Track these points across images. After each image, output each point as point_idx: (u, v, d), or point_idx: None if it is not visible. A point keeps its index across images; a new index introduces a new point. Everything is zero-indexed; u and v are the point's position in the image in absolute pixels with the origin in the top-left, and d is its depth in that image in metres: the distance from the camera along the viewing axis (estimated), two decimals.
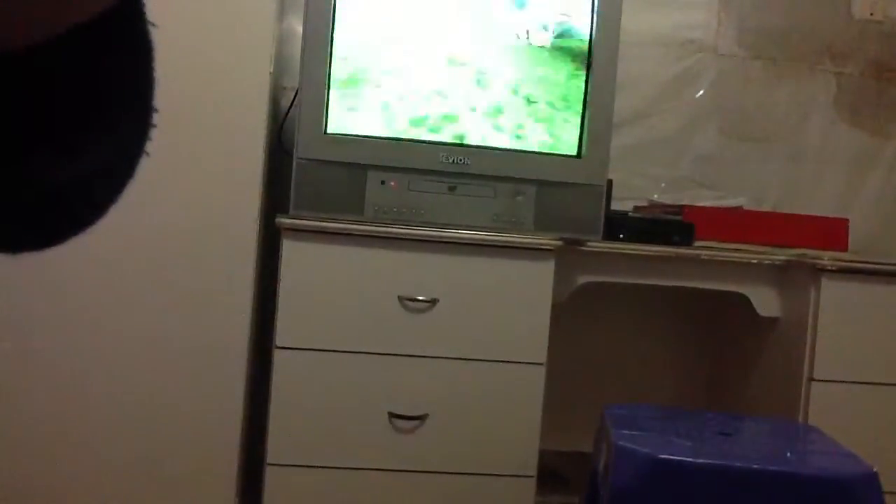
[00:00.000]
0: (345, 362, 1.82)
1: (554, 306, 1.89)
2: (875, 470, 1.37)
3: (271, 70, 1.86)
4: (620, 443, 1.42)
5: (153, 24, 0.25)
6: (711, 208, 2.26)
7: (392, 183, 1.86)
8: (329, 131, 1.84)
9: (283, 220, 1.80)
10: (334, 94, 1.84)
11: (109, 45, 0.23)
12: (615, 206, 2.08)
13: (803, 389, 1.93)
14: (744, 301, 2.06)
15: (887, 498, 1.37)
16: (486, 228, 1.87)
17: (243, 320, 1.83)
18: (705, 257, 2.00)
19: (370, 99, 1.87)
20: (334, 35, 1.83)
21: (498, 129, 1.91)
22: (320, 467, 1.82)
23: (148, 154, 0.27)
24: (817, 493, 1.37)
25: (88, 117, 0.24)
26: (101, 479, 1.80)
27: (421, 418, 1.85)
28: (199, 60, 1.78)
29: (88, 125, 0.24)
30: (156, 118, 0.27)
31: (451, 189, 1.88)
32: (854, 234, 2.28)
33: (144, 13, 0.25)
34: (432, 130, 1.88)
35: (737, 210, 2.31)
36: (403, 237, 1.83)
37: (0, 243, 0.25)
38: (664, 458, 1.38)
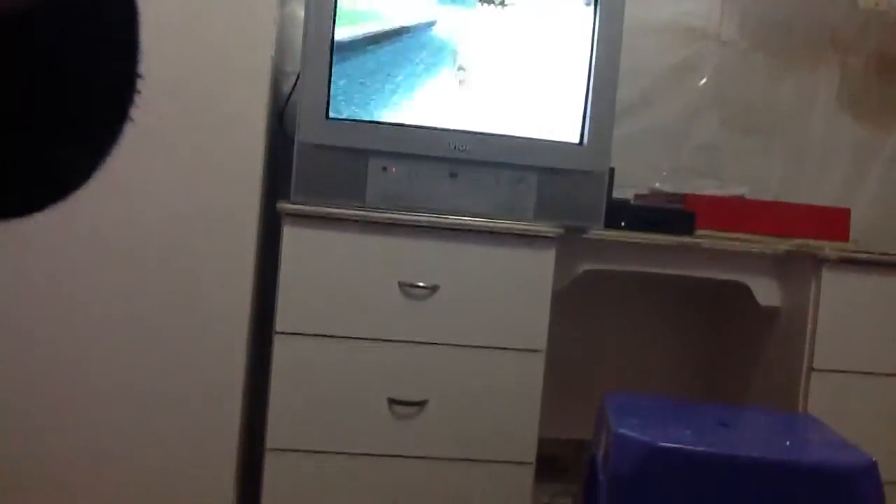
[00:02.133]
0: (345, 348, 1.82)
1: (554, 294, 1.89)
2: (874, 459, 1.38)
3: (272, 54, 1.85)
4: (620, 431, 1.43)
5: None
6: (713, 197, 2.26)
7: (393, 169, 1.85)
8: (330, 116, 1.83)
9: (284, 206, 1.80)
10: (336, 79, 1.83)
11: (95, 11, 0.23)
12: (617, 194, 2.07)
13: (803, 379, 1.93)
14: (744, 290, 2.06)
15: (886, 487, 1.37)
16: (488, 215, 1.87)
17: (243, 305, 1.82)
18: (706, 246, 2.00)
19: (372, 84, 1.87)
20: (336, 19, 1.82)
21: (500, 115, 1.90)
22: (320, 452, 1.82)
23: (132, 120, 0.27)
24: (817, 482, 1.38)
25: (72, 81, 0.23)
26: (100, 462, 1.80)
27: (421, 404, 1.85)
28: (200, 44, 1.77)
29: (73, 89, 0.24)
30: (140, 84, 0.27)
31: (453, 176, 1.88)
32: (855, 224, 2.28)
33: None
34: (434, 116, 1.88)
35: (738, 199, 2.31)
36: (404, 223, 1.82)
37: None
38: (664, 447, 1.38)
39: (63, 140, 0.24)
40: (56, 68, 0.23)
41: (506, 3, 1.88)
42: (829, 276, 1.93)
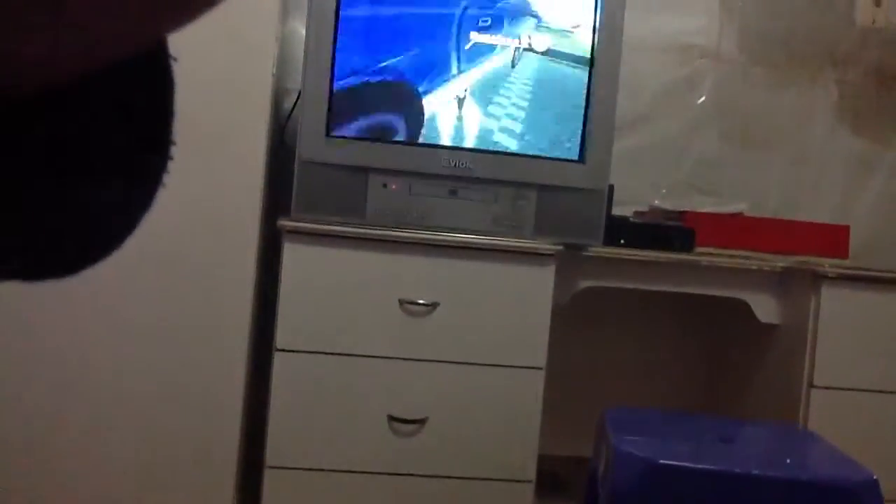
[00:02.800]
0: (345, 365, 1.82)
1: (554, 311, 1.89)
2: (875, 477, 1.37)
3: (274, 71, 1.86)
4: (620, 447, 1.42)
5: (174, 59, 0.26)
6: (712, 214, 2.26)
7: (393, 186, 1.86)
8: (331, 134, 1.84)
9: (285, 223, 1.80)
10: (337, 97, 1.84)
11: (133, 80, 0.24)
12: (616, 211, 2.08)
13: (803, 396, 1.93)
14: (744, 307, 2.06)
15: None
16: (487, 232, 1.87)
17: (243, 322, 1.83)
18: (706, 263, 2.01)
19: (372, 101, 1.88)
20: (337, 37, 1.83)
21: (500, 132, 1.91)
22: (319, 470, 1.82)
23: (165, 185, 0.28)
24: (817, 499, 1.37)
25: (110, 149, 0.24)
26: (99, 480, 1.79)
27: (420, 422, 1.84)
28: (201, 61, 1.78)
29: (110, 157, 0.24)
30: (173, 151, 0.28)
31: (453, 193, 1.88)
32: (854, 240, 2.28)
33: (167, 48, 0.25)
34: (434, 134, 1.88)
35: (737, 216, 2.31)
36: (404, 240, 1.83)
37: (21, 272, 0.25)
38: (664, 464, 1.38)
39: (99, 205, 0.25)
40: (92, 137, 0.24)
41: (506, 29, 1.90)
42: (828, 293, 1.93)
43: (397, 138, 1.87)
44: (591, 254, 1.94)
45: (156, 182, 0.27)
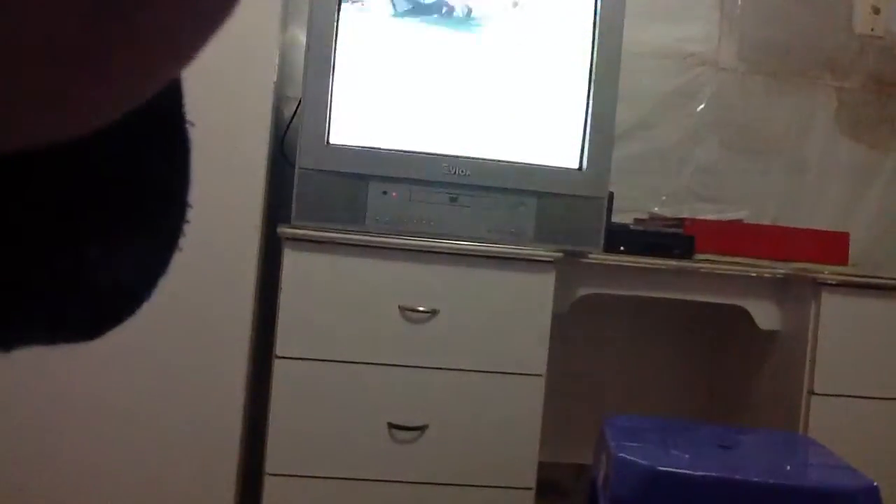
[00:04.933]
0: (344, 372, 1.82)
1: (554, 318, 1.89)
2: (876, 484, 1.37)
3: (275, 79, 1.87)
4: (620, 454, 1.42)
5: (191, 123, 0.26)
6: (712, 221, 2.27)
7: (393, 193, 1.86)
8: (331, 142, 1.84)
9: (285, 230, 1.81)
10: (337, 104, 1.84)
11: (149, 145, 0.24)
12: (616, 218, 2.08)
13: (803, 403, 1.93)
14: (744, 314, 2.06)
15: None
16: (487, 239, 1.88)
17: (244, 329, 1.83)
18: (705, 270, 2.01)
19: (372, 109, 1.88)
20: (337, 45, 1.83)
21: (499, 140, 1.91)
22: (319, 478, 1.82)
23: (181, 249, 0.28)
24: None
25: (126, 215, 0.24)
26: (99, 489, 1.79)
27: (420, 429, 1.84)
28: (202, 69, 1.78)
29: (125, 222, 0.24)
30: (190, 214, 0.28)
31: (453, 200, 1.88)
32: (854, 247, 2.28)
33: (184, 112, 0.26)
34: (434, 141, 1.89)
35: (737, 223, 2.31)
36: (404, 247, 1.83)
37: (44, 338, 0.26)
38: (664, 471, 1.38)
39: (118, 270, 0.25)
40: (113, 197, 0.24)
41: (506, 25, 1.90)
42: (828, 300, 1.93)
43: (397, 146, 1.87)
44: (590, 261, 1.94)
45: (172, 246, 0.27)
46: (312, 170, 1.83)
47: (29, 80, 0.17)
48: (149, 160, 0.24)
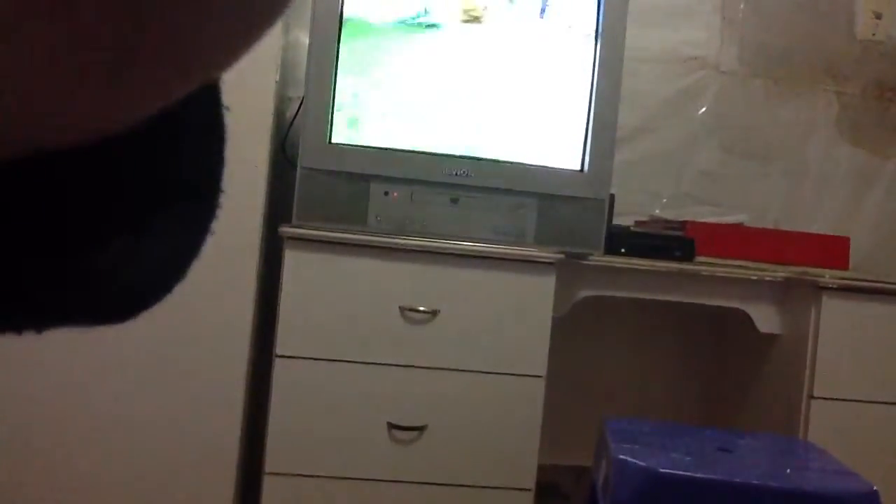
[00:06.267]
0: (345, 372, 1.82)
1: (554, 319, 1.89)
2: (875, 488, 1.37)
3: (277, 79, 1.87)
4: (621, 457, 1.42)
5: (227, 108, 0.26)
6: (712, 224, 2.27)
7: (395, 194, 1.86)
8: (333, 141, 1.84)
9: (286, 230, 1.81)
10: (339, 105, 1.84)
11: (186, 130, 0.24)
12: (617, 220, 2.08)
13: (803, 407, 1.93)
14: (744, 317, 2.06)
15: None
16: (488, 241, 1.88)
17: (244, 328, 1.83)
18: (706, 273, 2.01)
19: (374, 110, 1.88)
20: (340, 46, 1.84)
21: (502, 142, 1.91)
22: (319, 476, 1.82)
23: (213, 233, 0.28)
24: None
25: (161, 202, 0.24)
26: (98, 488, 1.79)
27: (420, 429, 1.84)
28: None
29: (162, 209, 0.25)
30: (222, 198, 0.28)
31: (454, 201, 1.89)
32: (854, 252, 2.29)
33: (220, 97, 0.25)
34: (436, 142, 1.89)
35: (738, 227, 2.32)
36: (405, 248, 1.83)
37: (82, 319, 0.26)
38: (664, 473, 1.38)
39: (153, 254, 0.25)
40: (150, 184, 0.24)
41: (506, 28, 1.90)
42: (829, 304, 1.93)
43: (399, 146, 1.87)
44: (591, 263, 1.94)
45: (204, 230, 0.27)
46: (314, 170, 1.83)
47: (64, 75, 0.17)
48: (183, 145, 0.24)
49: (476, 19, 1.90)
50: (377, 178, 1.85)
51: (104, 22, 0.17)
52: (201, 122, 0.25)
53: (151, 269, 0.25)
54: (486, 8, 1.89)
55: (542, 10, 1.92)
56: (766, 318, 2.06)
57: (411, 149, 1.88)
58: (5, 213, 0.21)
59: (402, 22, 1.88)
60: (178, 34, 0.18)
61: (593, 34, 1.91)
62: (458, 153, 1.89)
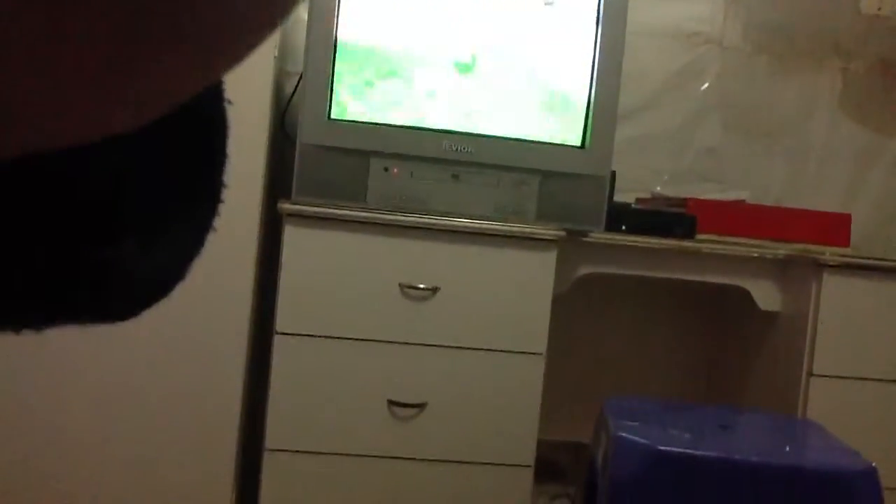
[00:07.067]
0: (345, 349, 1.82)
1: (555, 297, 1.89)
2: (874, 465, 1.38)
3: (276, 54, 1.85)
4: (620, 434, 1.42)
5: (230, 102, 0.26)
6: (714, 201, 2.26)
7: (395, 170, 1.85)
8: (332, 117, 1.83)
9: (286, 206, 1.80)
10: (338, 80, 1.83)
11: (190, 127, 0.23)
12: (618, 197, 2.07)
13: (803, 384, 1.93)
14: (745, 295, 2.06)
15: (886, 493, 1.37)
16: (489, 217, 1.87)
17: (244, 305, 1.82)
18: (707, 250, 2.00)
19: (374, 85, 1.87)
20: (339, 20, 1.82)
21: (502, 117, 1.90)
22: (319, 453, 1.82)
23: (215, 230, 0.27)
24: (816, 487, 1.38)
25: (163, 201, 0.24)
26: (97, 462, 1.80)
27: (420, 406, 1.85)
28: None
29: (164, 207, 0.24)
30: (224, 194, 0.28)
31: (455, 177, 1.88)
32: (856, 229, 2.28)
33: (223, 92, 0.25)
34: (437, 118, 1.88)
35: (739, 204, 2.31)
36: (405, 225, 1.82)
37: (86, 318, 0.25)
38: (663, 450, 1.38)
39: (155, 251, 0.25)
40: (152, 183, 0.23)
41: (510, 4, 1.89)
42: (829, 281, 1.93)
43: (399, 122, 1.86)
44: (592, 240, 1.94)
45: (207, 228, 0.27)
46: (313, 146, 1.82)
47: (64, 75, 0.17)
48: (185, 142, 0.24)
49: None
50: (377, 154, 1.84)
51: (104, 11, 0.16)
52: (207, 117, 0.25)
53: (156, 267, 0.25)
54: None
55: None
56: (766, 296, 2.06)
57: (412, 125, 1.86)
58: (16, 206, 0.20)
59: None
60: (193, 26, 0.17)
61: (595, 9, 1.89)
62: (458, 129, 1.87)
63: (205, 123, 0.24)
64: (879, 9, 2.55)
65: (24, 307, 0.23)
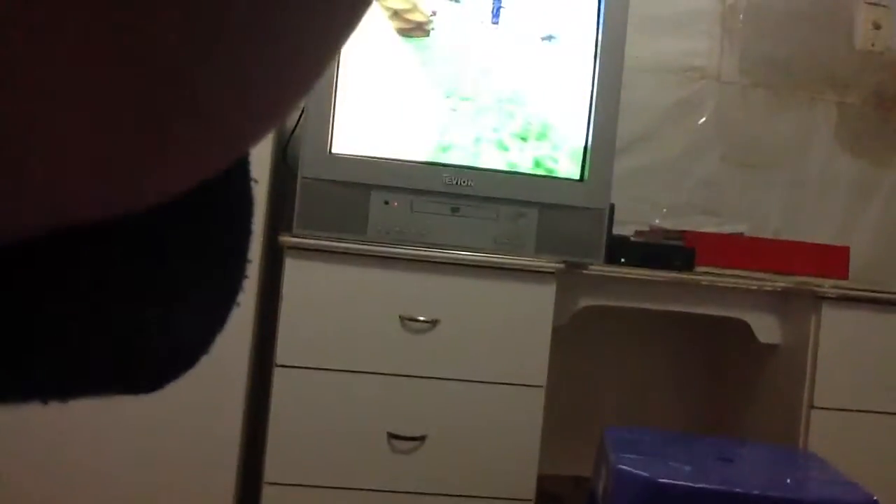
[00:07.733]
0: (345, 381, 1.82)
1: (554, 329, 1.89)
2: (875, 498, 1.37)
3: None
4: (620, 467, 1.42)
5: (255, 181, 0.26)
6: (713, 234, 2.27)
7: (395, 203, 1.87)
8: (333, 151, 1.85)
9: (286, 239, 1.81)
10: (339, 114, 1.85)
11: (212, 203, 0.24)
12: (617, 230, 2.09)
13: (803, 417, 1.93)
14: (744, 327, 2.06)
15: None
16: (488, 250, 1.88)
17: (244, 338, 1.83)
18: (706, 283, 2.01)
19: (375, 120, 1.89)
20: (341, 55, 1.84)
21: (501, 151, 1.92)
22: (318, 487, 1.81)
23: (239, 305, 0.28)
24: None
25: (187, 276, 0.25)
26: (98, 495, 1.79)
27: (420, 439, 1.84)
28: None
29: (186, 284, 0.25)
30: (248, 268, 0.29)
31: (454, 210, 1.89)
32: (854, 261, 2.29)
33: (249, 171, 0.26)
34: (436, 152, 1.89)
35: (738, 236, 2.32)
36: (405, 257, 1.83)
37: (114, 389, 0.25)
38: (664, 483, 1.37)
39: (177, 328, 0.25)
40: (180, 259, 0.24)
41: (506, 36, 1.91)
42: (829, 314, 1.93)
43: (399, 156, 1.88)
44: (591, 272, 1.95)
45: (231, 302, 0.28)
46: (314, 179, 1.83)
47: (85, 150, 0.17)
48: (210, 219, 0.24)
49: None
50: (377, 187, 1.86)
51: (137, 79, 0.16)
52: (235, 192, 0.25)
53: (181, 339, 0.26)
54: (489, 18, 1.90)
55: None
56: (765, 328, 2.06)
57: (411, 159, 1.88)
58: (37, 283, 0.21)
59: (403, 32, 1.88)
60: (209, 104, 0.18)
61: (594, 44, 1.92)
62: (458, 162, 1.89)
63: (232, 198, 0.25)
64: (873, 44, 2.58)
65: (52, 379, 0.23)
